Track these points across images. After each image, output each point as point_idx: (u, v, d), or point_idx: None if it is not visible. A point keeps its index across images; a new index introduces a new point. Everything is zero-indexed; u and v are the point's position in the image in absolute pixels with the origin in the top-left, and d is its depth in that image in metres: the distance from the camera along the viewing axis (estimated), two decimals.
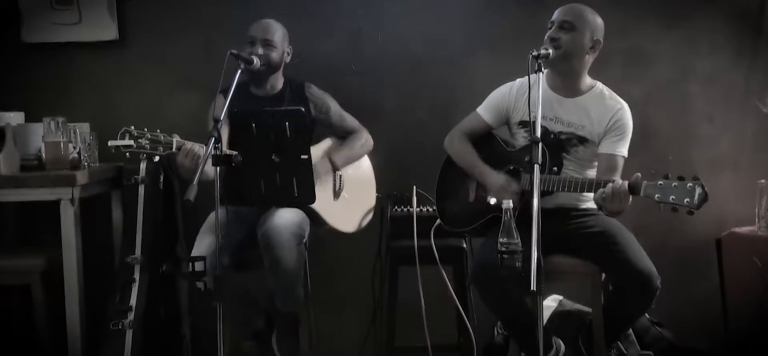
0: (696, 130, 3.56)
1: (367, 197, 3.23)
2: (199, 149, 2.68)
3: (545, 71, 2.83)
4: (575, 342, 2.83)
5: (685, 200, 2.29)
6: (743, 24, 3.52)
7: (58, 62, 3.59)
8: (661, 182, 2.34)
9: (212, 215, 2.90)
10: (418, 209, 3.06)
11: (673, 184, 2.32)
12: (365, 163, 3.27)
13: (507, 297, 2.63)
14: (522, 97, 2.86)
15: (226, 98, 2.52)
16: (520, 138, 2.88)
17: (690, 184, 2.29)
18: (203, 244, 2.81)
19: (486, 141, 2.94)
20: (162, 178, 3.20)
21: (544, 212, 2.19)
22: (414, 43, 3.57)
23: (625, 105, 2.80)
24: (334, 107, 3.18)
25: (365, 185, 3.25)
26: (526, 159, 2.34)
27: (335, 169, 3.07)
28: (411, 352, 3.15)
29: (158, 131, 2.65)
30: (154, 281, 3.13)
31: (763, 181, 3.24)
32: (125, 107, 3.58)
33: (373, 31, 3.55)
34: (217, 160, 2.41)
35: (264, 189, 2.62)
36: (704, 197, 2.28)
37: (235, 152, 2.48)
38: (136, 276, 3.10)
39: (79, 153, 3.17)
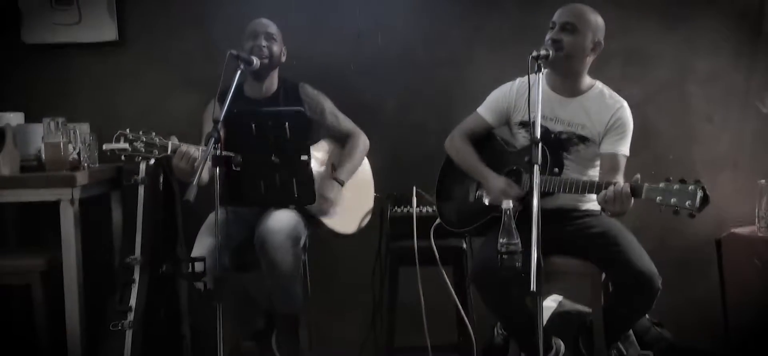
0: (696, 130, 3.56)
1: (366, 198, 3.23)
2: (194, 151, 2.68)
3: (545, 71, 2.84)
4: (575, 342, 2.83)
5: (687, 202, 2.29)
6: (743, 24, 3.52)
7: (58, 62, 3.59)
8: (663, 185, 2.34)
9: (212, 216, 2.91)
10: (418, 209, 3.06)
11: (675, 187, 2.32)
12: (363, 164, 3.27)
13: (507, 297, 2.63)
14: (522, 96, 2.85)
15: (222, 102, 2.52)
16: (521, 138, 2.88)
17: (691, 187, 2.29)
18: (203, 245, 2.81)
19: (487, 141, 2.94)
20: (162, 178, 3.20)
21: (544, 212, 2.19)
22: (414, 43, 3.57)
23: (625, 103, 2.79)
24: (328, 107, 3.18)
25: (364, 185, 3.24)
26: (527, 159, 2.34)
27: (341, 183, 3.07)
28: (411, 352, 3.15)
29: (154, 133, 2.65)
30: (153, 281, 3.13)
31: (763, 181, 3.24)
32: (125, 107, 3.58)
33: (373, 31, 3.55)
34: (217, 161, 2.41)
35: (264, 190, 2.62)
36: (705, 200, 2.28)
37: (233, 154, 2.49)
38: (136, 276, 3.10)
39: (78, 154, 3.16)
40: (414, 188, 3.10)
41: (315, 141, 3.14)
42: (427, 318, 3.02)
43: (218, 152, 2.42)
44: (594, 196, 2.74)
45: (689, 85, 3.56)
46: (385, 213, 3.13)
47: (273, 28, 3.06)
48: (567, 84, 2.79)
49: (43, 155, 3.07)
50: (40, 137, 3.11)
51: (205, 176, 2.39)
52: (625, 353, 2.96)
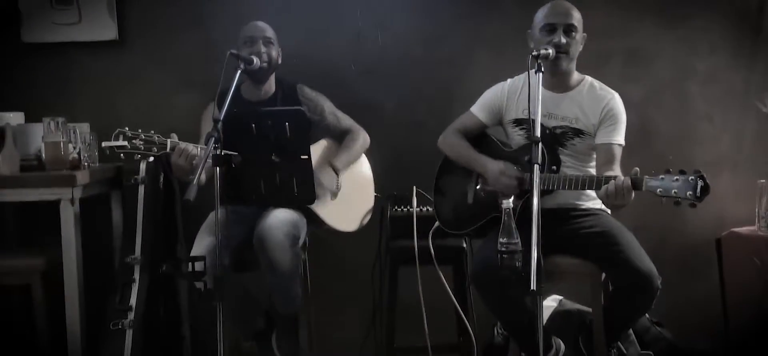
0: (696, 130, 3.56)
1: (366, 196, 3.23)
2: (193, 149, 2.68)
3: (532, 70, 2.85)
4: (575, 342, 2.83)
5: (688, 192, 2.30)
6: (742, 24, 3.52)
7: (58, 62, 3.59)
8: (663, 177, 2.35)
9: (212, 216, 2.91)
10: (418, 209, 3.06)
11: (675, 178, 2.32)
12: (363, 162, 3.27)
13: (507, 297, 2.63)
14: (514, 95, 2.89)
15: (221, 102, 2.51)
16: (516, 137, 2.89)
17: (691, 177, 2.30)
18: (202, 244, 2.81)
19: (482, 142, 2.95)
20: (162, 178, 3.20)
21: (543, 212, 2.19)
22: (414, 43, 3.57)
23: (616, 94, 2.82)
24: (328, 107, 3.18)
25: (364, 184, 3.25)
26: (526, 159, 2.34)
27: (337, 173, 3.07)
28: (411, 352, 3.15)
29: (152, 131, 2.65)
30: (154, 281, 3.13)
31: (763, 181, 3.24)
32: (125, 107, 3.58)
33: (373, 31, 3.55)
34: (217, 160, 2.41)
35: (264, 189, 2.62)
36: (706, 190, 2.29)
37: (233, 153, 2.49)
38: (136, 276, 3.10)
39: (78, 153, 3.17)
40: (414, 188, 3.10)
41: (314, 140, 3.14)
42: (427, 318, 3.02)
43: (218, 151, 2.41)
44: (593, 195, 2.76)
45: (689, 85, 3.56)
46: (385, 213, 3.13)
47: (269, 32, 3.06)
48: (558, 80, 2.80)
49: (43, 155, 3.07)
50: (40, 136, 3.11)
51: (203, 176, 2.39)
52: (625, 353, 2.96)
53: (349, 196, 3.13)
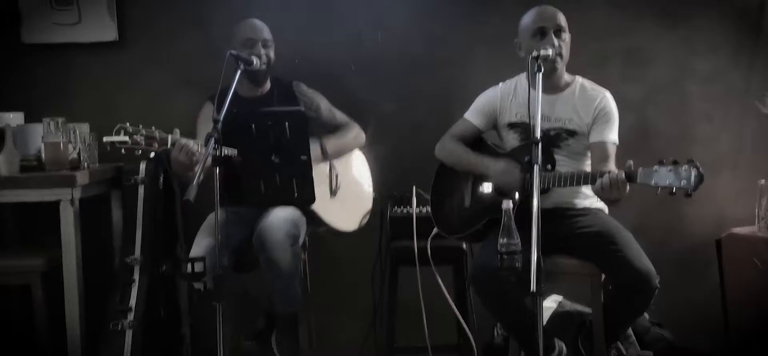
0: (695, 130, 3.56)
1: (366, 196, 3.24)
2: (193, 145, 2.68)
3: (523, 73, 2.87)
4: (575, 342, 2.83)
5: (682, 182, 2.30)
6: (742, 24, 3.52)
7: (58, 63, 3.59)
8: (656, 168, 2.35)
9: (211, 217, 2.91)
10: (418, 209, 3.06)
11: (668, 168, 2.32)
12: (362, 161, 3.27)
13: (507, 300, 2.62)
14: (507, 98, 2.91)
15: (220, 102, 2.51)
16: (511, 139, 2.90)
17: (685, 167, 2.30)
18: (201, 245, 2.81)
19: (477, 146, 2.95)
20: (162, 178, 3.20)
21: (541, 212, 2.19)
22: (414, 43, 3.57)
23: (607, 93, 2.83)
24: (324, 104, 3.18)
25: (363, 183, 3.25)
26: (526, 159, 2.35)
27: (325, 155, 3.06)
28: (411, 353, 3.15)
29: (153, 127, 2.65)
30: (153, 281, 3.13)
31: (763, 181, 3.24)
32: (125, 107, 3.57)
33: (373, 31, 3.55)
34: (217, 160, 2.41)
35: (264, 190, 2.62)
36: (700, 179, 2.29)
37: (233, 154, 2.48)
38: (136, 276, 3.10)
39: (78, 154, 3.16)
40: (414, 188, 3.10)
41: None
42: (427, 318, 3.02)
43: (218, 152, 2.41)
44: (589, 194, 2.77)
45: (689, 85, 3.56)
46: (385, 213, 3.13)
47: (266, 32, 3.06)
48: (550, 82, 2.80)
49: (43, 155, 3.07)
50: (40, 137, 3.11)
51: (203, 176, 2.39)
52: (625, 353, 2.96)
53: (349, 196, 3.13)
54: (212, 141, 2.39)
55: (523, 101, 2.84)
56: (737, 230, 3.34)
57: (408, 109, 3.57)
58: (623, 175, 2.42)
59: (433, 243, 2.99)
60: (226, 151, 2.50)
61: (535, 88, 2.41)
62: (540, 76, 2.44)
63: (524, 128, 2.84)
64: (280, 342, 3.00)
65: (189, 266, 2.54)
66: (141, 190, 3.17)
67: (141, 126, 2.61)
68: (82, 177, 3.02)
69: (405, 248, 3.03)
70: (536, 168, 2.27)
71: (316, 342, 3.25)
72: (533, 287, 2.12)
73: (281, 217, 2.85)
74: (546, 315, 3.13)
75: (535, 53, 2.53)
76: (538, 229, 2.16)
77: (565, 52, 2.77)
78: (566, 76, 2.85)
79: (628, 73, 3.51)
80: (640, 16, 3.53)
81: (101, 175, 3.22)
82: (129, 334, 3.02)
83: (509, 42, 3.09)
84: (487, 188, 2.82)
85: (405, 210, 3.10)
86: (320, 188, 3.01)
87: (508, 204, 2.36)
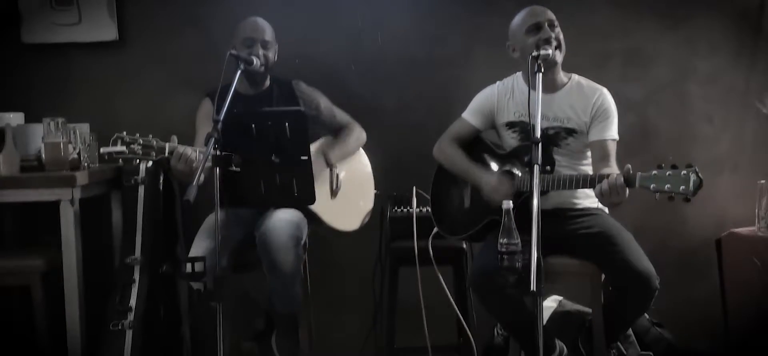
0: (696, 130, 3.56)
1: (367, 195, 3.23)
2: (191, 153, 2.68)
3: (519, 72, 2.87)
4: (575, 342, 2.83)
5: (681, 187, 2.29)
6: (743, 24, 3.52)
7: (58, 63, 3.59)
8: (655, 172, 2.34)
9: (210, 218, 2.91)
10: (418, 209, 3.06)
11: (668, 173, 2.31)
12: (363, 161, 3.27)
13: (507, 301, 2.62)
14: (504, 97, 2.90)
15: (221, 101, 2.51)
16: (509, 139, 2.89)
17: (684, 171, 2.29)
18: (200, 247, 2.81)
19: (476, 146, 2.95)
20: (162, 179, 3.20)
21: (541, 213, 2.19)
22: (414, 43, 3.57)
23: (604, 89, 2.83)
24: (324, 103, 3.18)
25: (364, 183, 3.24)
26: (526, 159, 2.35)
27: (329, 165, 3.06)
28: (411, 353, 3.15)
29: (151, 136, 2.64)
30: (153, 281, 3.13)
31: (763, 181, 3.24)
32: (125, 107, 3.58)
33: (373, 31, 3.55)
34: (217, 161, 2.41)
35: (264, 190, 2.61)
36: (699, 184, 2.28)
37: (233, 154, 2.48)
38: (136, 276, 3.10)
39: (78, 154, 3.16)
40: (414, 188, 3.10)
41: (312, 139, 3.14)
42: (427, 318, 3.02)
43: (218, 152, 2.41)
44: (589, 194, 2.77)
45: (689, 85, 3.56)
46: (385, 213, 3.13)
47: (268, 33, 3.05)
48: (548, 80, 2.80)
49: (43, 155, 3.07)
50: (40, 137, 3.11)
51: (203, 177, 2.39)
52: (625, 353, 2.96)
53: (350, 195, 3.13)
54: (212, 141, 2.38)
55: (520, 100, 2.83)
56: (737, 230, 3.34)
57: (408, 109, 3.57)
58: (622, 180, 2.41)
59: (433, 243, 2.99)
60: (231, 164, 2.49)
61: (534, 88, 2.41)
62: (540, 76, 2.43)
63: (523, 127, 2.84)
64: (280, 343, 3.00)
65: (189, 266, 2.53)
66: (141, 190, 3.17)
67: (138, 135, 2.60)
68: (82, 177, 3.01)
69: (405, 248, 3.03)
70: (536, 168, 2.27)
71: (316, 342, 3.25)
72: (533, 287, 2.12)
73: (284, 219, 2.85)
74: (546, 315, 3.13)
75: (535, 53, 2.53)
76: (538, 229, 2.16)
77: (563, 43, 2.76)
78: (563, 74, 2.85)
79: (629, 74, 3.51)
80: (641, 16, 3.53)
81: (101, 175, 3.22)
82: (129, 334, 3.02)
83: None
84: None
85: (405, 210, 3.10)
86: (321, 189, 3.01)
87: (508, 204, 2.36)
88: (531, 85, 2.46)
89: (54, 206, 2.99)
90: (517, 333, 2.76)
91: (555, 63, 2.75)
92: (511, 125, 2.88)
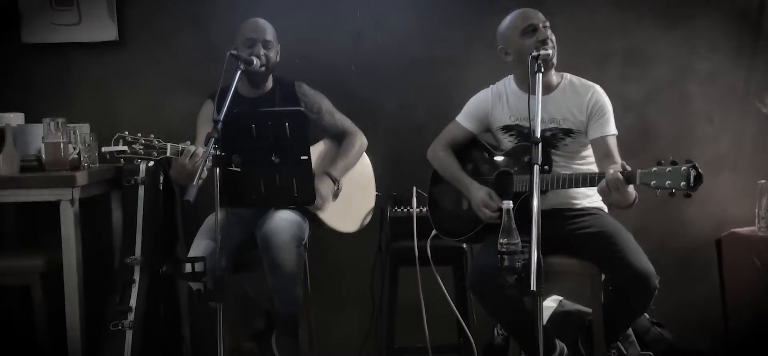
0: (696, 130, 3.56)
1: (367, 197, 3.23)
2: (201, 152, 2.67)
3: (510, 76, 2.87)
4: (575, 342, 2.83)
5: (681, 183, 2.29)
6: (743, 24, 3.52)
7: (57, 63, 3.59)
8: (655, 169, 2.34)
9: (210, 218, 2.91)
10: (418, 209, 3.06)
11: (667, 169, 2.31)
12: (364, 162, 3.27)
13: (506, 302, 2.61)
14: (498, 101, 2.90)
15: (220, 102, 2.51)
16: (506, 142, 2.89)
17: (684, 167, 2.29)
18: (200, 247, 2.80)
19: (472, 148, 2.95)
20: (162, 178, 3.21)
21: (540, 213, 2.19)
22: (414, 43, 3.57)
23: (597, 86, 2.82)
24: (325, 105, 3.17)
25: (364, 184, 3.24)
26: (526, 159, 2.35)
27: (336, 182, 3.06)
28: (411, 353, 3.15)
29: (152, 136, 2.64)
30: (154, 281, 3.13)
31: (763, 181, 3.24)
32: (125, 107, 3.58)
33: (373, 31, 3.55)
34: (217, 161, 2.41)
35: (264, 190, 2.61)
36: (699, 179, 2.27)
37: (233, 154, 2.48)
38: (136, 276, 3.10)
39: (78, 154, 3.17)
40: (414, 188, 3.10)
41: (313, 141, 3.14)
42: (427, 318, 3.02)
43: (218, 152, 2.41)
44: (588, 193, 2.77)
45: (689, 85, 3.56)
46: (385, 213, 3.13)
47: (269, 34, 3.05)
48: (542, 81, 2.78)
49: (43, 155, 3.07)
50: (40, 137, 3.11)
51: (204, 175, 2.39)
52: (625, 353, 2.96)
53: (350, 196, 3.12)
54: (212, 141, 2.38)
55: (514, 104, 2.84)
56: (737, 230, 3.34)
57: (408, 109, 3.57)
58: (620, 175, 2.41)
59: (433, 243, 2.99)
60: (231, 164, 2.49)
61: (534, 89, 2.41)
62: (539, 76, 2.43)
63: (519, 131, 2.84)
64: (280, 343, 2.99)
65: (189, 266, 2.53)
66: (141, 190, 3.17)
67: (140, 135, 2.60)
68: (82, 177, 3.02)
69: (405, 249, 3.03)
70: (536, 168, 2.27)
71: (316, 342, 3.25)
72: (533, 287, 2.12)
73: (286, 219, 2.85)
74: (546, 315, 3.13)
75: (534, 53, 2.53)
76: (538, 229, 2.16)
77: (556, 43, 2.76)
78: (555, 75, 2.85)
79: (629, 74, 3.51)
80: (641, 16, 3.53)
81: (101, 175, 3.22)
82: (129, 334, 3.02)
83: None
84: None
85: (405, 210, 3.10)
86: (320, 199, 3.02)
87: (508, 204, 2.36)
88: (531, 85, 2.46)
89: (54, 206, 3.00)
90: (517, 333, 2.76)
91: (553, 64, 2.75)
92: (507, 128, 2.88)
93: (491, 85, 2.96)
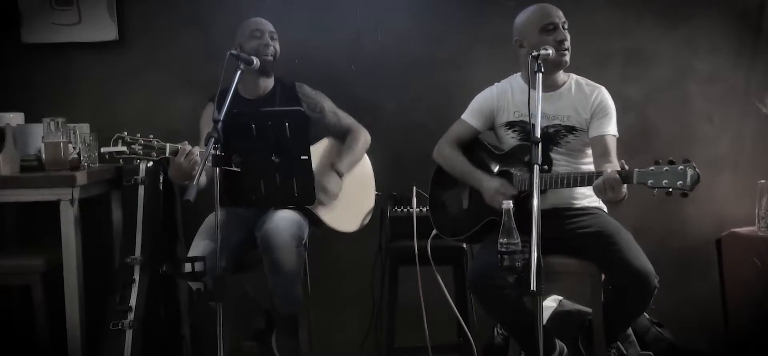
0: (696, 130, 3.56)
1: (367, 196, 3.23)
2: (198, 154, 2.67)
3: (518, 73, 2.87)
4: (575, 342, 2.83)
5: (678, 182, 2.29)
6: (743, 24, 3.52)
7: (57, 63, 3.59)
8: (653, 168, 2.34)
9: (209, 218, 2.91)
10: (418, 209, 3.06)
11: (665, 168, 2.31)
12: (365, 161, 3.27)
13: (506, 302, 2.61)
14: (503, 98, 2.90)
15: (221, 102, 2.51)
16: (508, 139, 2.89)
17: (681, 167, 2.29)
18: (199, 247, 2.80)
19: (474, 147, 2.95)
20: (162, 178, 3.21)
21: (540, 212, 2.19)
22: (414, 43, 3.57)
23: (602, 88, 2.84)
24: (327, 105, 3.18)
25: (364, 184, 3.24)
26: (526, 158, 2.35)
27: (340, 175, 3.07)
28: (411, 352, 3.15)
29: (152, 136, 2.64)
30: (154, 281, 3.13)
31: (763, 181, 3.24)
32: (125, 107, 3.58)
33: (373, 31, 3.55)
34: (217, 161, 2.41)
35: (264, 190, 2.62)
36: (697, 178, 2.27)
37: (233, 154, 2.49)
38: (136, 276, 3.10)
39: (78, 154, 3.17)
40: (414, 188, 3.10)
41: (315, 140, 3.14)
42: (427, 318, 3.02)
43: (218, 152, 2.41)
44: (588, 193, 2.77)
45: (689, 85, 3.56)
46: (385, 213, 3.13)
47: (272, 27, 3.09)
48: (549, 79, 2.80)
49: (43, 155, 3.07)
50: (40, 137, 3.11)
51: (203, 178, 2.38)
52: (625, 353, 2.96)
53: (350, 196, 3.13)
54: (212, 141, 2.38)
55: (520, 100, 2.84)
56: (737, 230, 3.34)
57: (408, 109, 3.57)
58: (616, 175, 2.41)
59: (433, 243, 2.99)
60: (231, 164, 2.49)
61: (534, 87, 2.41)
62: (540, 76, 2.44)
63: (523, 126, 2.85)
64: (280, 342, 3.00)
65: (189, 266, 2.53)
66: (141, 190, 3.17)
67: (139, 136, 2.60)
68: (82, 177, 3.02)
69: (405, 248, 3.03)
70: (536, 168, 2.27)
71: (316, 342, 3.25)
72: (533, 287, 2.12)
73: (286, 218, 2.85)
74: (546, 315, 3.13)
75: (535, 52, 2.53)
76: (538, 229, 2.16)
77: (570, 45, 2.77)
78: (562, 74, 2.85)
79: (629, 73, 3.51)
80: (641, 16, 3.53)
81: (101, 175, 3.22)
82: (129, 334, 3.02)
83: (509, 42, 3.10)
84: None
85: (405, 210, 3.10)
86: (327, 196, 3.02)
87: (508, 204, 2.36)
88: (531, 84, 2.46)
89: (54, 206, 3.00)
90: (517, 333, 2.76)
91: (566, 64, 2.75)
92: (510, 124, 2.88)
93: (496, 83, 2.96)
